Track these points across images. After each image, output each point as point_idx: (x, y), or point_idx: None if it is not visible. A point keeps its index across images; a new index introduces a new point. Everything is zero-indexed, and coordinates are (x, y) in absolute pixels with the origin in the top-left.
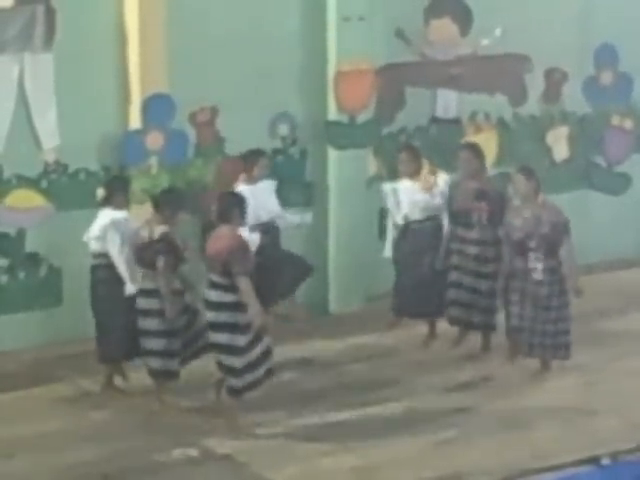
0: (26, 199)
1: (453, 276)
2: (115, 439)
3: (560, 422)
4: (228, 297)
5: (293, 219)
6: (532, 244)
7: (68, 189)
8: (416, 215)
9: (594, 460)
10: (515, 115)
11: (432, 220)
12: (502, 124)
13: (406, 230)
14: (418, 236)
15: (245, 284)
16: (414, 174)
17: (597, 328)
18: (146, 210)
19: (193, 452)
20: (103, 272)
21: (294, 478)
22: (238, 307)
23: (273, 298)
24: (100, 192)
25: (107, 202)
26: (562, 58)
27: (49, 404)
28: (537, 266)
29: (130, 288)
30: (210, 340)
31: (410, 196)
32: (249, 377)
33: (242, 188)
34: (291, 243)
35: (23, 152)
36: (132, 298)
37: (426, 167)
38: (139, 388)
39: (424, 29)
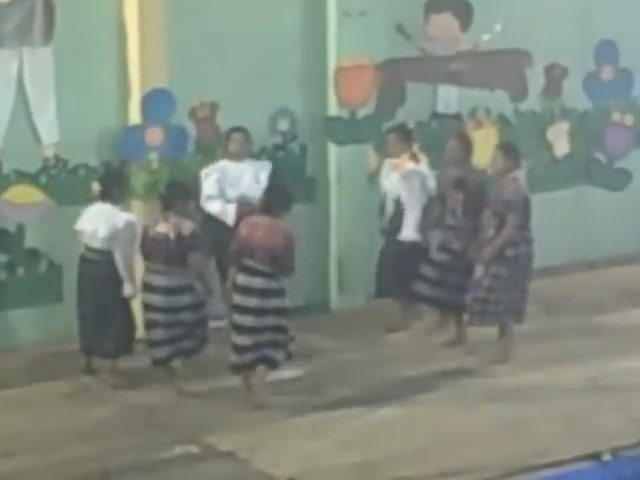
0: (25, 195)
1: (436, 256)
2: (115, 436)
3: (561, 418)
4: (274, 284)
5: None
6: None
7: (68, 185)
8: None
9: (595, 456)
10: (516, 111)
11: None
12: (503, 120)
13: (396, 211)
14: (398, 219)
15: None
16: (397, 155)
17: (598, 323)
18: (149, 206)
19: (194, 449)
20: (100, 267)
21: (296, 475)
22: (283, 293)
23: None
24: (95, 186)
25: (104, 196)
26: (562, 54)
27: (49, 401)
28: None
29: (128, 289)
30: (255, 324)
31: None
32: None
33: (221, 162)
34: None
35: (22, 147)
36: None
37: (410, 152)
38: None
39: (424, 24)
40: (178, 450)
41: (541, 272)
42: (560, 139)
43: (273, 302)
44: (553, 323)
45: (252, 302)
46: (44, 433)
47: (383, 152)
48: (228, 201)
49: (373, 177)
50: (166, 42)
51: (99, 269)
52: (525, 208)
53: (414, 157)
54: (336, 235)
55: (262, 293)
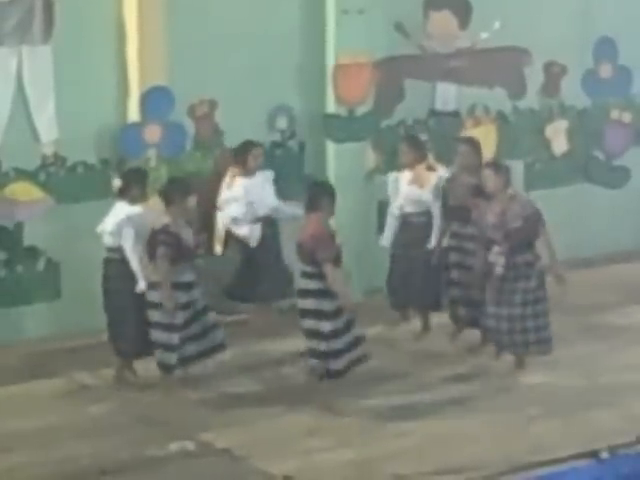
0: (24, 192)
1: (455, 274)
2: (113, 433)
3: (559, 415)
4: (313, 284)
5: (289, 210)
6: (497, 237)
7: (66, 182)
8: (409, 207)
9: (593, 454)
10: (514, 108)
11: (428, 215)
12: (501, 117)
13: (404, 222)
14: (413, 229)
15: (330, 270)
16: (412, 165)
17: (596, 321)
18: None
19: (191, 446)
20: (116, 266)
21: (293, 472)
22: (323, 294)
23: (246, 294)
24: (116, 183)
25: (123, 194)
26: (561, 51)
27: (47, 398)
28: (498, 260)
29: (142, 285)
30: (301, 325)
31: (404, 187)
32: (333, 364)
33: (239, 182)
34: (290, 236)
35: (21, 145)
36: (143, 294)
37: (426, 161)
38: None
39: (423, 22)
40: (174, 447)
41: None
42: (559, 137)
43: (310, 303)
44: (551, 319)
45: (299, 303)
46: (41, 430)
47: (381, 150)
48: (256, 221)
49: (371, 175)
50: (165, 40)
51: (112, 268)
52: (535, 225)
53: (430, 168)
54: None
55: (301, 294)
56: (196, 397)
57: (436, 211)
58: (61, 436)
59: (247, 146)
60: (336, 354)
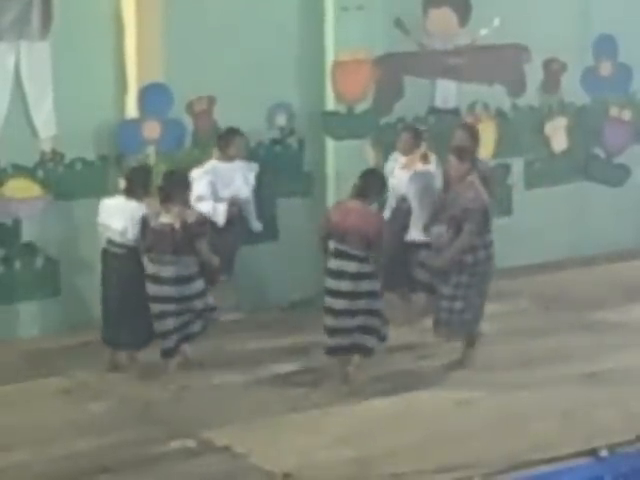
0: (22, 189)
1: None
2: (113, 430)
3: (558, 414)
4: (366, 268)
5: (250, 218)
6: (442, 218)
7: (65, 179)
8: (402, 190)
9: (592, 452)
10: (514, 105)
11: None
12: (501, 114)
13: (398, 207)
14: (400, 214)
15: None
16: (408, 153)
17: (596, 319)
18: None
19: (191, 443)
20: (122, 262)
21: (293, 469)
22: (375, 276)
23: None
24: (122, 182)
25: (128, 192)
26: (561, 48)
27: (46, 395)
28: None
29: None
30: (349, 307)
31: (396, 171)
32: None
33: (212, 163)
34: (289, 234)
35: (19, 141)
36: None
37: (421, 150)
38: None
39: (423, 19)
40: (175, 445)
41: (539, 267)
42: (558, 134)
43: (365, 285)
44: (551, 318)
45: (345, 286)
46: (41, 428)
47: (381, 147)
48: (219, 201)
49: None
50: (163, 36)
51: (124, 264)
52: (484, 215)
53: (425, 157)
54: None
55: (355, 277)
56: (196, 394)
57: (414, 200)
58: (61, 434)
59: (231, 133)
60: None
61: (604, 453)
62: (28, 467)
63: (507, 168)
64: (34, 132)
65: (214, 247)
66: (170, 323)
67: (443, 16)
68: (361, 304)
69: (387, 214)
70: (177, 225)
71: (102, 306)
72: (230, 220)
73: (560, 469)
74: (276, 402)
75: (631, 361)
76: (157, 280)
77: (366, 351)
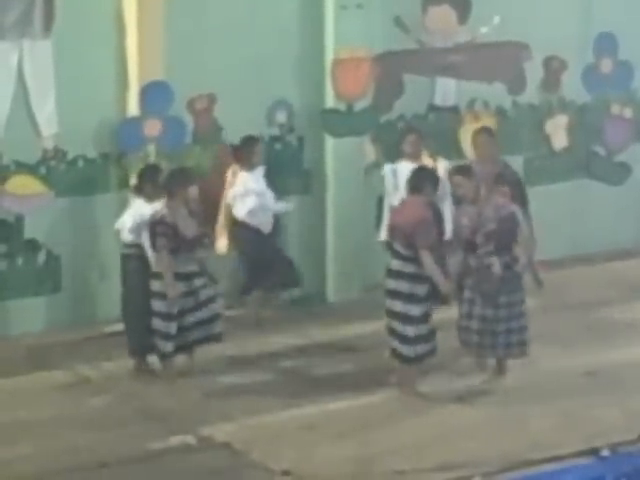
0: (25, 185)
1: None
2: (113, 426)
3: (559, 413)
4: (408, 268)
5: (277, 206)
6: (478, 240)
7: (67, 176)
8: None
9: (594, 451)
10: (514, 103)
11: None
12: (501, 112)
13: None
14: None
15: (427, 257)
16: (416, 157)
17: (597, 318)
18: None
19: (191, 440)
20: (134, 262)
21: (292, 466)
22: (417, 278)
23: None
24: (133, 181)
25: (138, 192)
26: (561, 46)
27: (48, 390)
28: (492, 261)
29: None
30: (387, 307)
31: (403, 178)
32: (420, 348)
33: (245, 176)
34: (289, 231)
35: (22, 138)
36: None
37: (425, 152)
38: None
39: (422, 17)
40: (174, 441)
41: (539, 265)
42: (559, 132)
43: (404, 286)
44: (551, 317)
45: (388, 283)
46: (43, 422)
47: (380, 145)
48: (265, 210)
49: (370, 169)
50: (164, 34)
51: (129, 263)
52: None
53: (433, 157)
54: (333, 227)
55: (395, 275)
56: (197, 390)
57: (448, 201)
58: (61, 428)
59: (250, 142)
60: (420, 339)
61: (605, 452)
62: (30, 461)
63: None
64: (36, 129)
65: (267, 257)
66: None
67: (443, 14)
68: (397, 306)
69: (384, 234)
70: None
71: (123, 312)
72: (274, 227)
73: (561, 469)
74: (276, 399)
75: (633, 360)
76: (150, 276)
77: (402, 359)
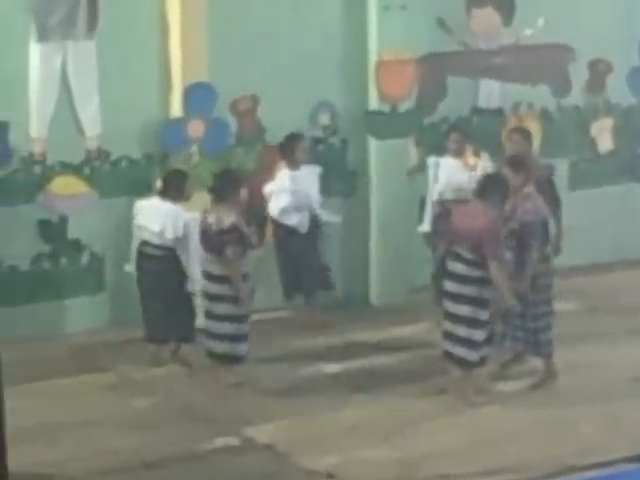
0: (69, 186)
1: None
2: (157, 427)
3: (607, 417)
4: (475, 272)
5: (326, 215)
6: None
7: (110, 176)
8: (448, 195)
9: None
10: (559, 106)
11: None
12: (545, 115)
13: (445, 210)
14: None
15: (496, 267)
16: (459, 154)
17: None
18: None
19: (234, 441)
20: (158, 262)
21: (335, 469)
22: (484, 282)
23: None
24: (159, 183)
25: (163, 194)
26: (607, 49)
27: (92, 391)
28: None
29: (193, 285)
30: (449, 311)
31: (448, 174)
32: (484, 352)
33: (284, 173)
34: (332, 233)
35: (66, 139)
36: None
37: (470, 149)
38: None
39: (466, 18)
40: (218, 442)
41: (585, 270)
42: (604, 135)
43: (470, 291)
44: (597, 322)
45: (452, 287)
46: (87, 423)
47: (424, 147)
48: (301, 210)
49: (413, 172)
50: (208, 35)
51: (162, 265)
52: (544, 227)
53: (477, 155)
54: (376, 229)
55: (461, 279)
56: (241, 392)
57: None
58: (106, 429)
59: (293, 139)
60: (486, 343)
61: None
62: (74, 461)
63: (552, 169)
64: (80, 130)
65: (301, 258)
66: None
67: (487, 16)
68: (463, 310)
69: (427, 225)
70: (214, 227)
71: (142, 305)
72: (312, 228)
73: (607, 475)
74: (319, 401)
75: None
76: (208, 276)
77: (464, 365)
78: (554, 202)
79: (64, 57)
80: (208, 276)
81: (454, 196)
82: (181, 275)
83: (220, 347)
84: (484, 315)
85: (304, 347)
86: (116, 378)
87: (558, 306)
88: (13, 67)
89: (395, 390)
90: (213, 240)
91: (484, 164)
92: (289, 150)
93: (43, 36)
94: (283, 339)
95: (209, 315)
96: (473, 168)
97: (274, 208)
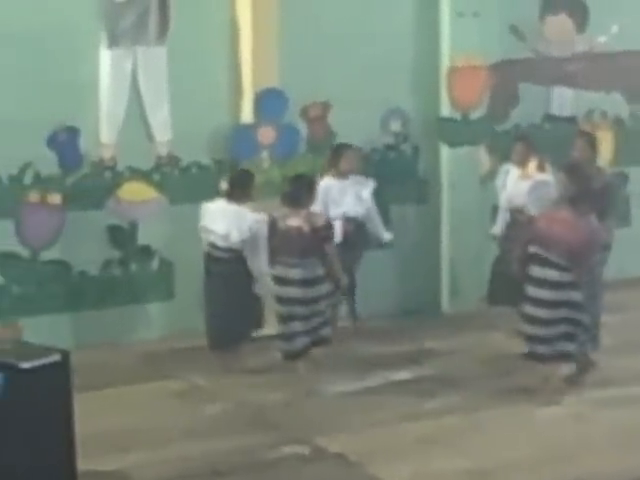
0: (139, 192)
1: None
2: (226, 434)
3: None
4: (567, 277)
5: (378, 230)
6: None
7: (180, 182)
8: (511, 203)
9: None
10: (632, 114)
11: None
12: (619, 123)
13: (511, 216)
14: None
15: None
16: (522, 164)
17: None
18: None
19: (304, 450)
20: (226, 265)
21: (407, 479)
22: (575, 286)
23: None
24: (223, 184)
25: (231, 196)
26: None
27: (161, 398)
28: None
29: (261, 287)
30: (549, 317)
31: (510, 183)
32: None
33: (325, 181)
34: (403, 241)
35: (136, 145)
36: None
37: (535, 161)
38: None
39: (539, 25)
40: (288, 450)
41: None
42: None
43: (565, 295)
44: None
45: (545, 294)
46: (156, 430)
47: (496, 154)
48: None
49: (485, 179)
50: (279, 41)
51: (229, 268)
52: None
53: (541, 167)
54: (448, 237)
55: (555, 285)
56: (310, 401)
57: (535, 209)
58: (174, 436)
59: (340, 148)
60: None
61: None
62: (143, 469)
63: (625, 177)
64: (150, 136)
65: None
66: (297, 325)
67: (560, 23)
68: (562, 313)
69: (499, 229)
70: (306, 228)
71: (206, 312)
72: (345, 238)
73: None
74: (391, 410)
75: None
76: (283, 282)
77: (567, 357)
78: (601, 212)
79: (134, 62)
80: (284, 281)
81: (512, 205)
82: (249, 277)
83: (297, 346)
84: (584, 316)
85: (376, 355)
86: (185, 385)
87: (630, 316)
88: (83, 73)
89: (467, 398)
90: (307, 242)
91: (543, 177)
92: (335, 158)
93: (114, 41)
94: (355, 347)
95: (289, 317)
96: (530, 179)
97: None
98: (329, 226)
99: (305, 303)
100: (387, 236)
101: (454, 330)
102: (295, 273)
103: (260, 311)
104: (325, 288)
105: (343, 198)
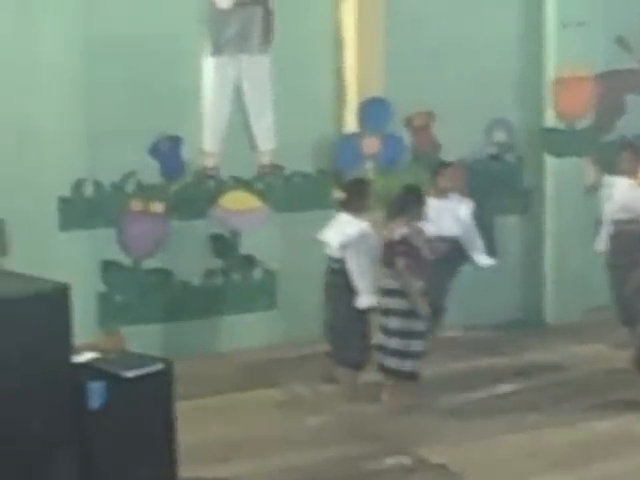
0: (241, 201)
1: None
2: (328, 445)
3: None
4: None
5: (475, 253)
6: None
7: (283, 192)
8: (621, 214)
9: None
10: None
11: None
12: None
13: (616, 229)
14: (626, 237)
15: None
16: (632, 173)
17: None
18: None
19: (406, 460)
20: (340, 277)
21: None
22: None
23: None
24: (339, 194)
25: (346, 206)
26: None
27: (262, 408)
28: None
29: (363, 301)
30: None
31: (622, 193)
32: None
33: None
34: (507, 251)
35: (239, 154)
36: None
37: None
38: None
39: None
40: (390, 461)
41: None
42: None
43: None
44: None
45: None
46: (257, 440)
47: (601, 165)
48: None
49: (590, 190)
50: (383, 50)
51: (337, 278)
52: None
53: None
54: (551, 248)
55: None
56: (413, 411)
57: None
58: (276, 447)
59: (442, 165)
60: None
61: None
62: (245, 478)
63: None
64: (253, 145)
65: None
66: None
67: None
68: None
69: (602, 245)
70: (386, 239)
71: (324, 321)
72: (438, 257)
73: None
74: (493, 422)
75: None
76: (383, 292)
77: None
78: None
79: (238, 71)
80: (382, 290)
81: (628, 216)
82: (353, 294)
83: (389, 362)
84: None
85: (478, 367)
86: (286, 395)
87: None
88: (186, 82)
89: (571, 411)
90: (385, 252)
91: None
92: (434, 177)
93: (218, 49)
94: (457, 359)
95: (382, 330)
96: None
97: None
98: (403, 241)
99: (386, 313)
100: (485, 261)
101: (558, 342)
102: (391, 284)
103: (364, 330)
104: (397, 302)
105: (441, 217)
